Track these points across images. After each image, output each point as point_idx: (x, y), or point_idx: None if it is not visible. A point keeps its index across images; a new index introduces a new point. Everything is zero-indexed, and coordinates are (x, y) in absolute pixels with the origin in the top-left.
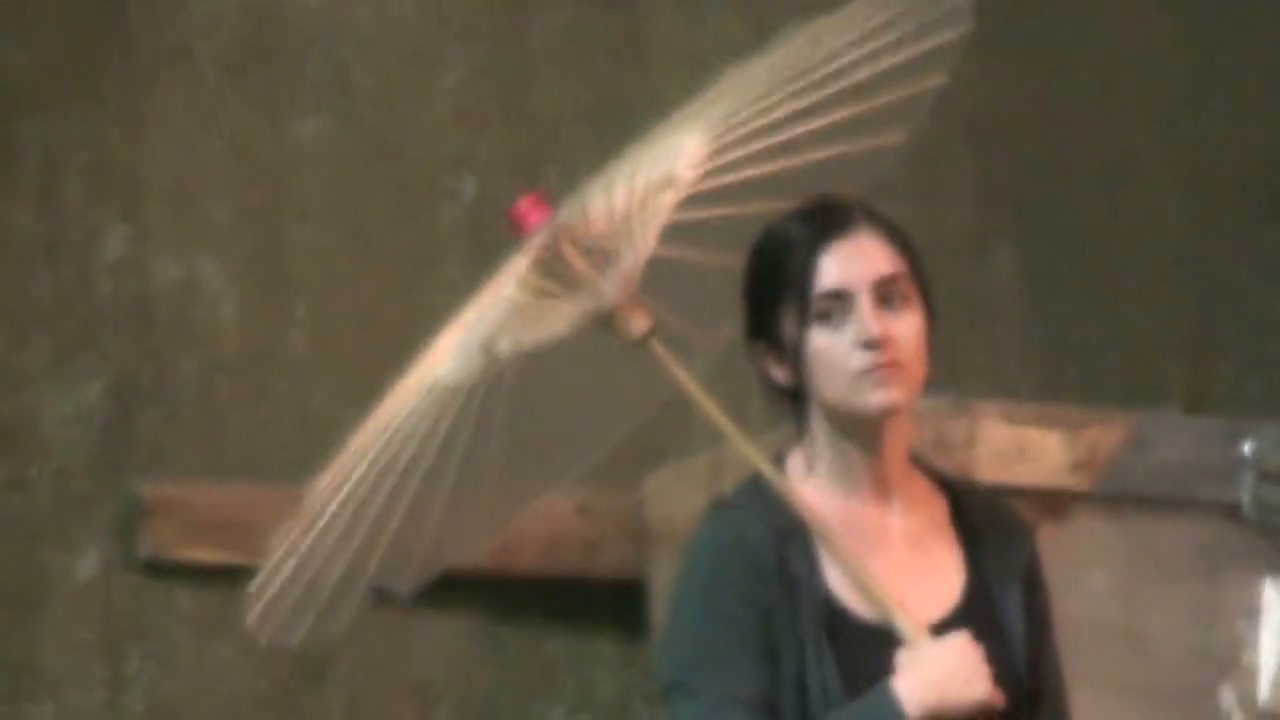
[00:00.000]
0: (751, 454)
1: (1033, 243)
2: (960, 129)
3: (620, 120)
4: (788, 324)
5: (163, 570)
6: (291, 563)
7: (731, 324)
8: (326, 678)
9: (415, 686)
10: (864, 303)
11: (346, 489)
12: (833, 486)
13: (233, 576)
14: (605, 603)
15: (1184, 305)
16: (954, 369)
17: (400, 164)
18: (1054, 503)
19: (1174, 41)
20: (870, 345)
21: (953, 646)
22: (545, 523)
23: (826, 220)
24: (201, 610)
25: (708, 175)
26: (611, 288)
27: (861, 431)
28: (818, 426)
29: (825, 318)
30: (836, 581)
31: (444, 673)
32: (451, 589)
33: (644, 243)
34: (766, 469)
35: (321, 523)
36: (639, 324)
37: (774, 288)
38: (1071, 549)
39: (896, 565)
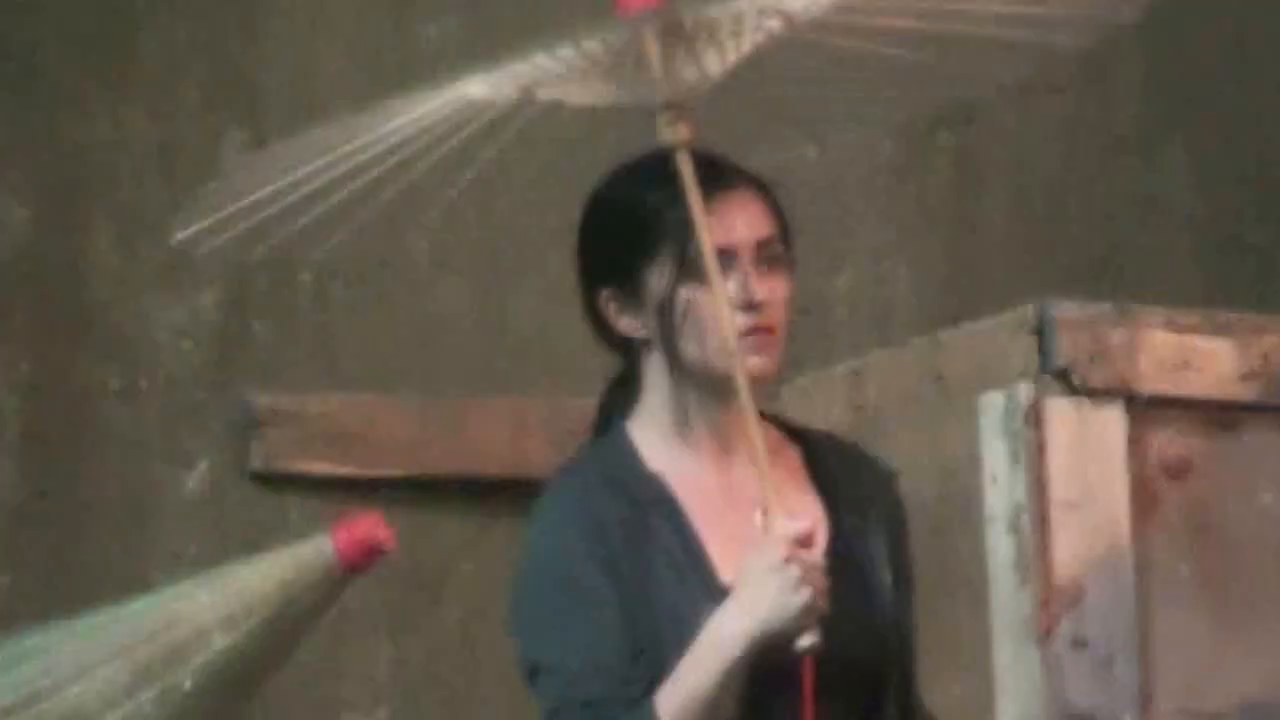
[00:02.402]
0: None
1: (1204, 139)
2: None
3: None
4: (654, 277)
5: (274, 482)
6: (246, 182)
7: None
8: (442, 595)
9: None
10: (746, 263)
11: (330, 148)
12: (676, 444)
13: (346, 489)
14: None
15: None
16: (1117, 273)
17: None
18: (1221, 416)
19: None
20: (751, 307)
21: (761, 565)
22: None
23: (708, 175)
24: (313, 524)
25: (832, 28)
26: (670, 88)
27: (718, 392)
28: (660, 382)
29: (701, 276)
30: (708, 545)
31: None
32: None
33: (723, 60)
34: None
35: (292, 165)
36: (679, 132)
37: (644, 238)
38: (1240, 465)
39: (750, 522)
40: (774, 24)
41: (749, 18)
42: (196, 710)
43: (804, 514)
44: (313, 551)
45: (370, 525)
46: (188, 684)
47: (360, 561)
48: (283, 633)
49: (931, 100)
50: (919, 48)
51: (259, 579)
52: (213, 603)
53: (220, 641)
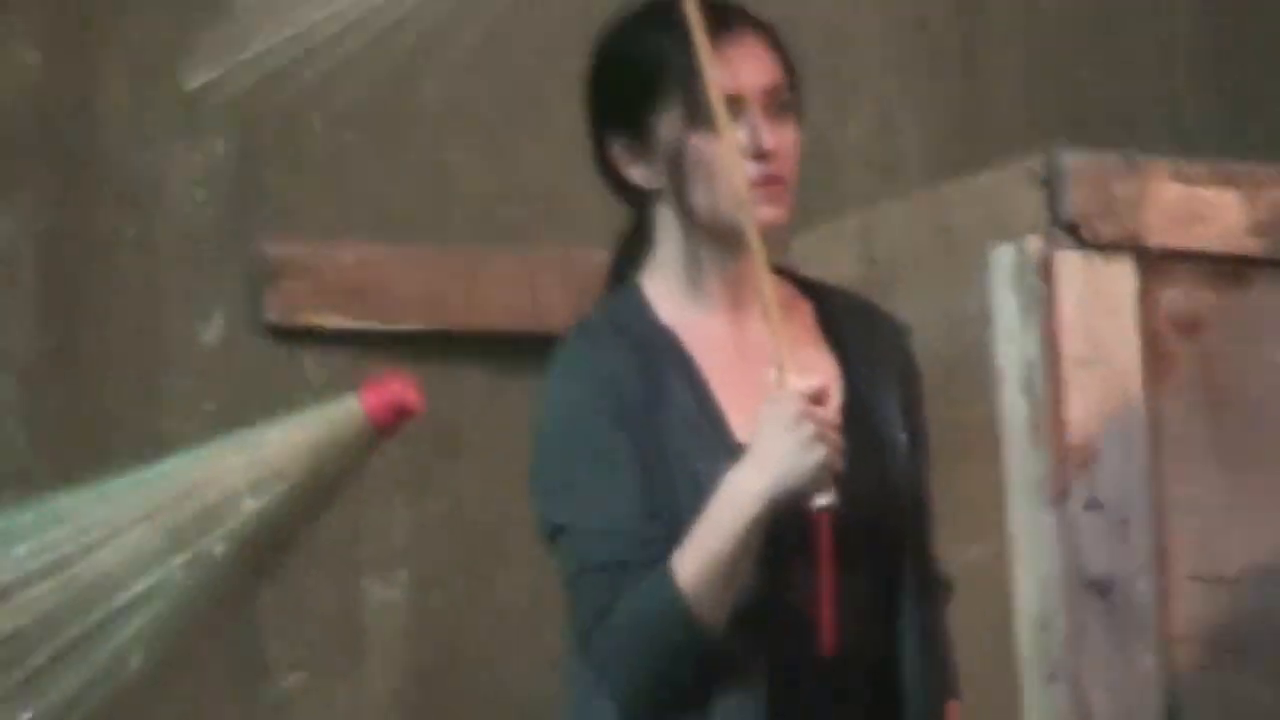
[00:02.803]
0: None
1: None
2: None
3: None
4: (663, 125)
5: (289, 336)
6: (255, 25)
7: None
8: (460, 453)
9: None
10: (755, 111)
11: None
12: (689, 298)
13: (360, 342)
14: None
15: None
16: (1124, 121)
17: None
18: (1230, 269)
19: None
20: (761, 156)
21: (776, 421)
22: None
23: (715, 20)
24: (329, 376)
25: None
26: None
27: (730, 243)
28: (672, 234)
29: (710, 124)
30: (723, 401)
31: None
32: None
33: None
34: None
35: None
36: None
37: (652, 86)
38: (1249, 319)
39: (765, 378)
40: None
41: None
42: (227, 575)
43: (818, 371)
44: (342, 413)
45: (400, 386)
46: (219, 549)
47: (390, 423)
48: (312, 496)
49: None
50: None
51: (288, 441)
52: (243, 465)
53: (251, 505)
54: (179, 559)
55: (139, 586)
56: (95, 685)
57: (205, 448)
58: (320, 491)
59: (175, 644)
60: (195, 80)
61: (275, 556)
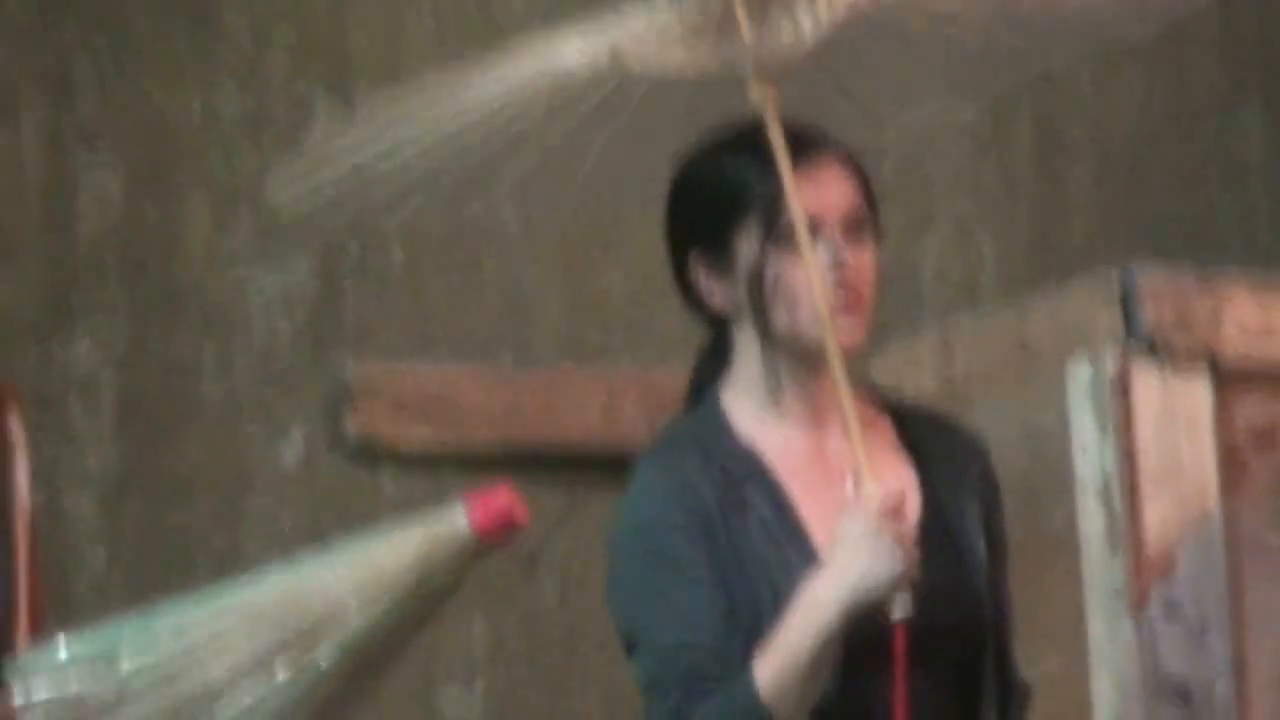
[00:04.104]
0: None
1: None
2: None
3: None
4: (744, 246)
5: (368, 453)
6: (336, 150)
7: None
8: (538, 568)
9: None
10: (834, 232)
11: (432, 113)
12: (769, 414)
13: (439, 460)
14: None
15: None
16: (1201, 237)
17: None
18: None
19: None
20: (840, 276)
21: (853, 532)
22: None
23: (796, 144)
24: (407, 494)
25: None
26: (762, 54)
27: (809, 361)
28: (751, 352)
29: (791, 245)
30: (803, 514)
31: None
32: None
33: (816, 26)
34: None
35: (381, 135)
36: (769, 98)
37: (734, 207)
38: None
39: (843, 491)
40: None
41: None
42: (331, 688)
43: (895, 481)
44: (447, 525)
45: (507, 498)
46: (324, 662)
47: (496, 535)
48: (417, 609)
49: (997, 85)
50: (986, 31)
51: (394, 554)
52: (349, 578)
53: (357, 618)
54: (283, 671)
55: (243, 699)
56: None
57: (311, 560)
58: (424, 605)
59: None
60: (278, 199)
61: (380, 669)
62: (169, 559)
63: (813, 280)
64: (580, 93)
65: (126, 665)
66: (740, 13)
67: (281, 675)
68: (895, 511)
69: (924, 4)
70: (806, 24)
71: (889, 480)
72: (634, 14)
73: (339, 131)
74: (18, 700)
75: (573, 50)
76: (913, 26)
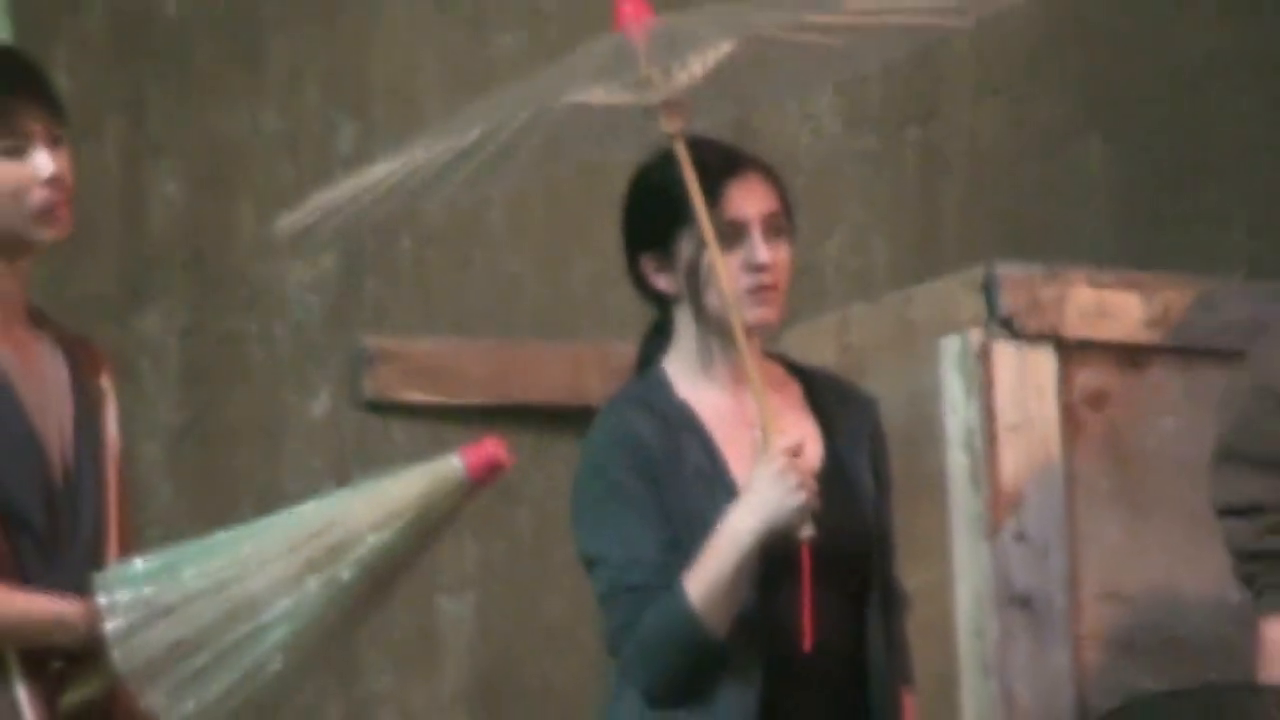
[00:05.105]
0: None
1: (1121, 130)
2: (1059, 31)
3: None
4: (685, 243)
5: (382, 409)
6: (351, 190)
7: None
8: (517, 502)
9: None
10: (755, 232)
11: (413, 159)
12: (701, 378)
13: (439, 415)
14: None
15: (1255, 186)
16: (1052, 240)
17: None
18: (1132, 355)
19: None
20: (758, 269)
21: (765, 472)
22: None
23: (726, 159)
24: (413, 442)
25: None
26: (661, 88)
27: (732, 335)
28: (688, 329)
29: (722, 243)
30: (729, 458)
31: None
32: None
33: (701, 67)
34: (737, 317)
35: (385, 175)
36: (671, 124)
37: (676, 213)
38: (1147, 395)
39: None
40: (742, 35)
41: (723, 27)
42: (352, 596)
43: (800, 433)
44: (446, 468)
45: (493, 446)
46: (346, 575)
47: (485, 477)
48: (421, 534)
49: (839, 76)
50: (839, 36)
51: (402, 490)
52: (366, 509)
53: (372, 540)
54: (314, 583)
55: (281, 605)
56: (243, 684)
57: (336, 495)
58: (427, 531)
59: (309, 652)
60: (287, 224)
61: (391, 582)
62: (221, 494)
63: (720, 274)
64: (538, 124)
65: (187, 574)
66: (643, 55)
67: (312, 586)
68: (797, 452)
69: (780, 31)
70: (696, 67)
71: (792, 431)
72: (563, 69)
73: (359, 171)
74: (101, 601)
75: (529, 97)
76: (774, 46)
